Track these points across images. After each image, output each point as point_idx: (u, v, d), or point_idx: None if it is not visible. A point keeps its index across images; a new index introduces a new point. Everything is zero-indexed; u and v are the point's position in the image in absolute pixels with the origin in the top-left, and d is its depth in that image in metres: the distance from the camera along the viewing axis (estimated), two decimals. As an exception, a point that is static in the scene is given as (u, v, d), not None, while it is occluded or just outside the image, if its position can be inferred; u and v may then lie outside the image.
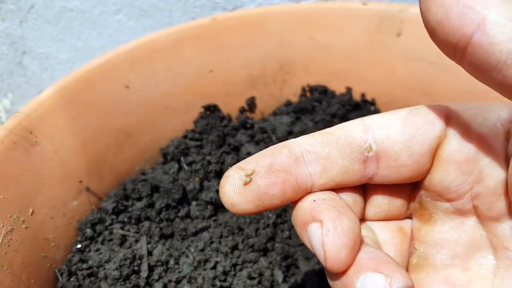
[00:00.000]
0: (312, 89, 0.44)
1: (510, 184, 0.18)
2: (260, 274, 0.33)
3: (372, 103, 0.44)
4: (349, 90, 0.44)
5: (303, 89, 0.44)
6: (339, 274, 0.17)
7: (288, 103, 0.45)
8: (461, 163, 0.19)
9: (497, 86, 0.15)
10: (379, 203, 0.22)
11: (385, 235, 0.22)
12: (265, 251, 0.35)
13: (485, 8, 0.14)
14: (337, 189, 0.20)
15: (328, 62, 0.44)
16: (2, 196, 0.30)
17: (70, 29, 0.76)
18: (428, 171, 0.20)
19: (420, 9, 0.16)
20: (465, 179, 0.19)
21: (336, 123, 0.42)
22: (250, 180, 0.18)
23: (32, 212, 0.32)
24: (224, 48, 0.42)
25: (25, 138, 0.32)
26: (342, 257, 0.17)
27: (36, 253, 0.32)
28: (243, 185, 0.19)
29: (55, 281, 0.33)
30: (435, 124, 0.19)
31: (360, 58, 0.43)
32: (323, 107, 0.43)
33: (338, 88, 0.44)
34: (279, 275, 0.33)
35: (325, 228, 0.17)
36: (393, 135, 0.19)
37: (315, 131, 0.40)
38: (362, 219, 0.22)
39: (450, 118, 0.19)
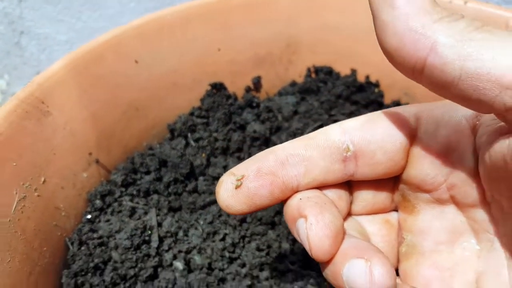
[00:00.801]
0: (318, 70, 0.45)
1: (481, 173, 0.20)
2: (268, 246, 0.34)
3: (376, 85, 0.44)
4: (353, 71, 0.45)
5: (309, 70, 0.45)
6: (327, 263, 0.19)
7: (293, 83, 0.45)
8: (432, 158, 0.21)
9: (455, 98, 0.17)
10: (364, 197, 0.24)
11: (373, 227, 0.24)
12: (272, 225, 0.35)
13: (434, 32, 0.16)
14: (322, 187, 0.22)
15: (334, 43, 0.44)
16: (15, 164, 0.31)
17: (70, 10, 0.75)
18: (404, 167, 0.22)
19: (377, 37, 0.18)
20: (439, 172, 0.21)
21: (341, 104, 0.43)
22: (241, 184, 0.21)
23: (44, 181, 0.32)
24: (231, 26, 0.42)
25: (37, 108, 0.33)
26: (325, 247, 0.19)
27: (47, 221, 0.32)
28: (235, 189, 0.21)
29: (65, 250, 0.33)
30: (405, 124, 0.22)
31: (365, 40, 0.44)
32: (328, 88, 0.44)
33: (343, 69, 0.45)
34: (286, 247, 0.34)
35: (308, 222, 0.19)
36: (368, 136, 0.21)
37: (321, 111, 0.41)
38: (350, 213, 0.24)
39: (419, 117, 0.22)
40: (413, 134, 0.22)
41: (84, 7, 0.74)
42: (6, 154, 0.30)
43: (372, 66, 0.45)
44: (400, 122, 0.22)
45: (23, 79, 0.93)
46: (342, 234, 0.20)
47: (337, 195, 0.23)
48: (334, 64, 0.45)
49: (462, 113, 0.21)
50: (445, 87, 0.16)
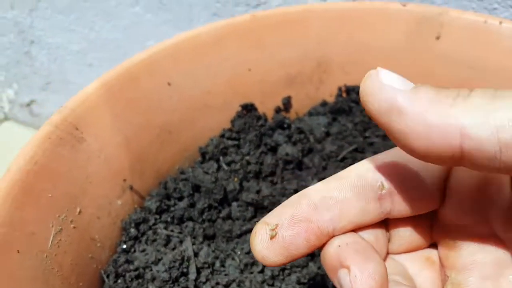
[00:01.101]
0: (349, 89, 0.44)
1: None
2: (310, 279, 0.33)
3: (409, 105, 0.43)
4: (386, 91, 0.44)
5: (340, 89, 0.44)
6: None
7: (324, 103, 0.44)
8: (470, 191, 0.20)
9: (500, 171, 0.16)
10: (402, 235, 0.23)
11: (414, 267, 0.23)
12: (313, 256, 0.34)
13: (456, 117, 0.16)
14: (358, 228, 0.21)
15: (366, 62, 0.43)
16: (50, 195, 0.29)
17: (82, 20, 0.74)
18: (441, 201, 0.21)
19: (401, 147, 0.18)
20: (477, 205, 0.21)
21: (375, 125, 0.42)
22: (276, 234, 0.20)
23: (80, 212, 0.31)
24: (263, 46, 0.41)
25: (71, 134, 0.32)
26: None
27: (83, 254, 0.31)
28: (270, 239, 0.20)
29: (101, 283, 0.32)
30: None
31: (398, 60, 0.43)
32: (361, 108, 0.43)
33: (375, 89, 0.44)
34: (328, 281, 0.33)
35: (352, 275, 0.18)
36: (402, 171, 0.21)
37: (355, 133, 0.40)
38: (388, 252, 0.23)
39: None
40: (449, 167, 0.21)
41: (98, 17, 0.72)
42: (41, 185, 0.29)
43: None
44: None
45: (32, 89, 0.91)
46: (386, 282, 0.19)
47: (374, 236, 0.22)
48: (366, 84, 0.44)
49: None
50: (488, 164, 0.16)
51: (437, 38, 0.42)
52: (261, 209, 0.38)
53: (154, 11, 0.67)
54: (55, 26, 0.78)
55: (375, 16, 0.42)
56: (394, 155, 0.21)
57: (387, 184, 0.21)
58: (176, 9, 0.65)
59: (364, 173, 0.21)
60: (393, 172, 0.21)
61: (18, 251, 0.26)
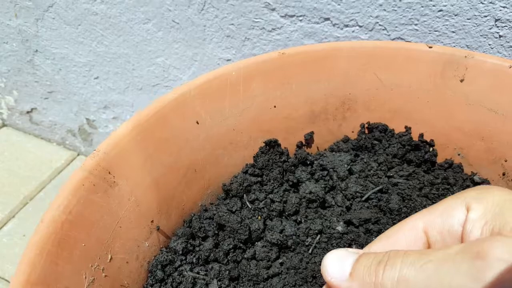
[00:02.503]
0: (372, 127, 0.44)
1: None
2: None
3: (431, 144, 0.44)
4: (408, 129, 0.44)
5: (363, 126, 0.44)
6: None
7: (346, 139, 0.44)
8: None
9: None
10: None
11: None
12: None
13: None
14: None
15: (390, 101, 0.43)
16: (84, 244, 0.29)
17: (91, 33, 0.73)
18: None
19: None
20: None
21: (398, 164, 0.42)
22: None
23: (111, 259, 0.31)
24: (289, 83, 0.41)
25: (104, 179, 0.31)
26: None
27: (113, 300, 0.31)
28: None
29: (130, 329, 0.32)
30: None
31: (421, 100, 0.43)
32: (384, 146, 0.43)
33: (397, 127, 0.44)
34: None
35: None
36: (445, 229, 0.25)
37: (380, 173, 0.41)
38: None
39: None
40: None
41: (108, 32, 0.71)
42: (76, 235, 0.28)
43: (427, 125, 0.44)
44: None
45: (33, 97, 0.90)
46: None
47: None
48: (388, 122, 0.44)
49: None
50: None
51: (461, 80, 0.42)
52: (285, 248, 0.38)
53: (166, 29, 0.66)
54: (62, 37, 0.76)
55: (402, 56, 0.42)
56: (439, 214, 0.25)
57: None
58: (189, 28, 0.64)
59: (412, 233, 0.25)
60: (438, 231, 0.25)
61: (54, 306, 0.26)
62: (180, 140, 0.36)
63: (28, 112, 0.93)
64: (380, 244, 0.25)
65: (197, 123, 0.37)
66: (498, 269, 0.18)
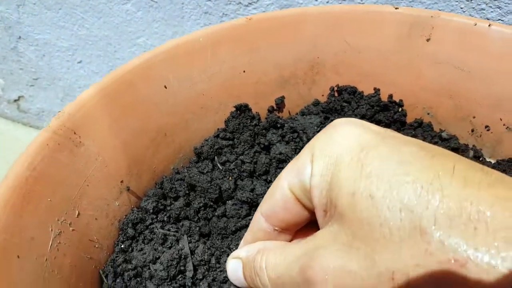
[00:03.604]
0: (341, 89, 0.45)
1: None
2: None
3: (400, 104, 0.45)
4: (377, 90, 0.45)
5: (332, 89, 0.45)
6: None
7: (316, 102, 0.45)
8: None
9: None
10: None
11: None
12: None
13: None
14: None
15: (358, 64, 0.44)
16: (49, 199, 0.30)
17: (72, 16, 0.74)
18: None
19: None
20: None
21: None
22: None
23: (78, 214, 0.32)
24: (257, 49, 0.42)
25: (69, 139, 0.32)
26: None
27: (82, 255, 0.32)
28: None
29: (100, 283, 0.33)
30: None
31: (389, 62, 0.44)
32: (352, 108, 0.44)
33: (367, 89, 0.45)
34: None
35: None
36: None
37: None
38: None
39: None
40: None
41: (88, 14, 0.72)
42: (41, 190, 0.29)
43: (396, 86, 0.45)
44: None
45: (19, 85, 0.90)
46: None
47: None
48: (358, 84, 0.45)
49: None
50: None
51: (428, 40, 0.43)
52: (255, 206, 0.39)
53: (145, 8, 0.66)
54: (44, 22, 0.77)
55: (368, 19, 0.43)
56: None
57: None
58: (168, 7, 0.65)
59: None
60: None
61: (18, 256, 0.27)
62: (148, 104, 0.37)
63: (15, 100, 0.94)
64: (266, 205, 0.29)
65: (165, 87, 0.38)
66: None
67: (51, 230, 0.29)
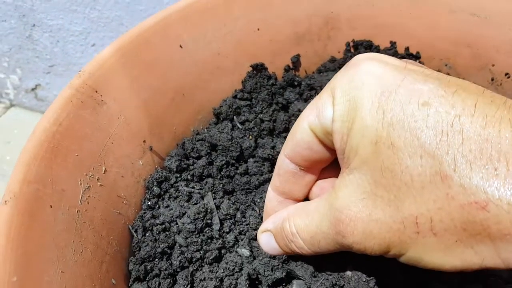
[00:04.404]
0: (357, 44, 0.44)
1: None
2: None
3: (417, 56, 0.44)
4: (393, 44, 0.44)
5: (348, 45, 0.45)
6: None
7: (332, 59, 0.45)
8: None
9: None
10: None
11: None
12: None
13: None
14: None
15: (373, 16, 0.44)
16: (77, 155, 0.30)
17: (83, -1, 0.74)
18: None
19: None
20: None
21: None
22: None
23: (105, 171, 0.32)
24: (271, 4, 0.41)
25: (91, 97, 0.32)
26: None
27: (111, 210, 0.32)
28: None
29: (130, 237, 0.33)
30: None
31: (404, 12, 0.43)
32: (369, 63, 0.44)
33: (383, 43, 0.44)
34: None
35: None
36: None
37: None
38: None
39: None
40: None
41: (98, -4, 0.72)
42: (68, 145, 0.30)
43: (412, 38, 0.44)
44: None
45: (36, 73, 0.92)
46: None
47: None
48: (373, 38, 0.44)
49: None
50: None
51: (442, -13, 0.42)
52: (277, 164, 0.39)
53: (155, -16, 0.67)
54: (56, 7, 0.78)
55: (380, -31, 0.42)
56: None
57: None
58: (177, -19, 0.65)
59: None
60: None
61: (51, 206, 0.27)
62: (165, 63, 0.37)
63: (33, 89, 0.95)
64: (289, 146, 0.29)
65: (181, 47, 0.38)
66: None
67: (80, 184, 0.30)
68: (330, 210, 0.25)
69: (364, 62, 0.24)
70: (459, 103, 0.20)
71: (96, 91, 0.33)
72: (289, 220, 0.29)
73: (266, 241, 0.32)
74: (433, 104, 0.20)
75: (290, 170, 0.29)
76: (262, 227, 0.32)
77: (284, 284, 0.32)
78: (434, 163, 0.19)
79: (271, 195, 0.32)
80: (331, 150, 0.27)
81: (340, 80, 0.25)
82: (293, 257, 0.33)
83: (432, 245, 0.20)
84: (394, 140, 0.21)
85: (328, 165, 0.29)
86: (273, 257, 0.33)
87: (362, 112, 0.22)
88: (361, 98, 0.23)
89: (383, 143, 0.21)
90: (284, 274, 0.32)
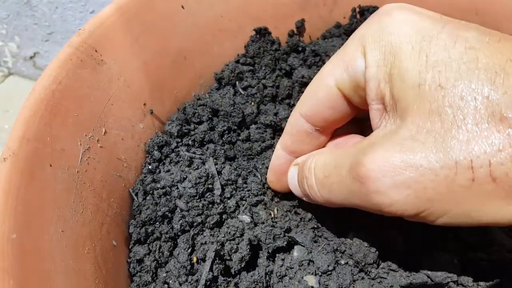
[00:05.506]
0: (363, 10, 0.43)
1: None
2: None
3: (425, 23, 0.43)
4: (401, 11, 0.43)
5: (354, 10, 0.43)
6: None
7: (338, 25, 0.44)
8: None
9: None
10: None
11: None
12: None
13: None
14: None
15: (380, -19, 0.42)
16: (76, 114, 0.30)
17: (82, -37, 0.72)
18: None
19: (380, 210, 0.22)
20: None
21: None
22: None
23: (105, 132, 0.32)
24: (275, -34, 0.40)
25: (91, 56, 0.31)
26: None
27: (111, 172, 0.32)
28: None
29: (131, 201, 0.33)
30: None
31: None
32: (375, 29, 0.42)
33: (390, 9, 0.43)
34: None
35: None
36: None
37: None
38: None
39: None
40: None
41: (97, -41, 0.70)
42: (67, 104, 0.29)
43: (420, 4, 0.43)
44: None
45: (34, 41, 0.90)
46: None
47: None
48: (380, 3, 0.43)
49: None
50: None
51: (454, -49, 0.41)
52: (279, 130, 0.39)
53: None
54: (54, -29, 0.75)
55: None
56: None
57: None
58: None
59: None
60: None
61: (51, 165, 0.27)
62: (167, 24, 0.36)
63: (31, 57, 0.94)
64: (307, 105, 0.28)
65: (183, 7, 0.37)
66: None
67: (80, 144, 0.30)
68: (354, 153, 0.23)
69: (396, 10, 0.23)
70: (506, 49, 0.19)
71: (96, 50, 0.32)
72: (314, 155, 0.27)
73: (291, 176, 0.30)
74: (480, 49, 0.20)
75: (305, 130, 0.28)
76: (294, 161, 0.31)
77: (284, 251, 0.32)
78: (489, 104, 0.18)
79: (280, 153, 0.31)
80: (355, 108, 0.26)
81: (369, 28, 0.24)
82: (294, 225, 0.33)
83: (491, 194, 0.18)
84: (442, 81, 0.20)
85: (342, 129, 0.29)
86: (274, 225, 0.33)
87: (401, 56, 0.21)
88: (399, 43, 0.22)
89: (428, 85, 0.20)
90: (285, 243, 0.32)
